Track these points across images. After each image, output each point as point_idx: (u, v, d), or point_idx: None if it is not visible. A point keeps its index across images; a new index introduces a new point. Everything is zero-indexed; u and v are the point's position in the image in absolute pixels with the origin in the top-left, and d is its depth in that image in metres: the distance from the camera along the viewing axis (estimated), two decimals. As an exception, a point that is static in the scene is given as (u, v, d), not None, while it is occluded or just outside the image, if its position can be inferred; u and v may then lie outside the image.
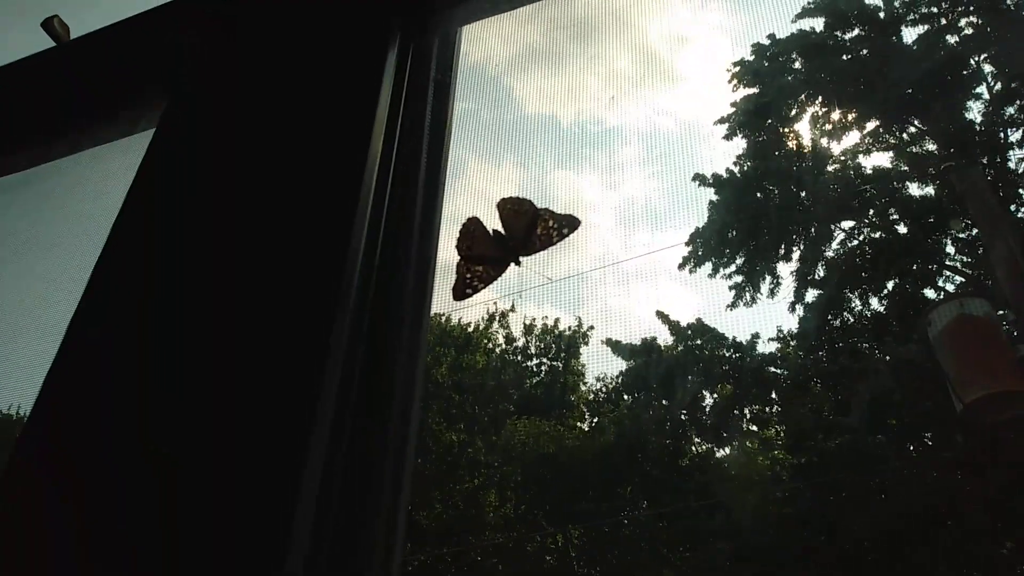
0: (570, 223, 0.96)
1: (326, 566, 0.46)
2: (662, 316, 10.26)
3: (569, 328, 12.01)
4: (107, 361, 0.59)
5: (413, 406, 0.58)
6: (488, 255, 0.96)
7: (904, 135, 9.27)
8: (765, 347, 9.95)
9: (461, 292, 0.95)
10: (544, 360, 11.88)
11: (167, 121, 0.80)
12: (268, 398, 0.50)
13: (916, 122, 9.15)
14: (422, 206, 0.70)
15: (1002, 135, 8.35)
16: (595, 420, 10.04)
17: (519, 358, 11.95)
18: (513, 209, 0.98)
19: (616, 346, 10.54)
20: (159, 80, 0.94)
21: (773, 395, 9.59)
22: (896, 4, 9.48)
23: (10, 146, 1.13)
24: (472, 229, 0.98)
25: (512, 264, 0.97)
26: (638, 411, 9.89)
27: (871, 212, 9.32)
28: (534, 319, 11.95)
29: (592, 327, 11.70)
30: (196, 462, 0.48)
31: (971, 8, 8.94)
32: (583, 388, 11.39)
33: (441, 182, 0.72)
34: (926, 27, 9.14)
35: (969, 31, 8.91)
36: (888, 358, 7.78)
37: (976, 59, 8.70)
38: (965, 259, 8.86)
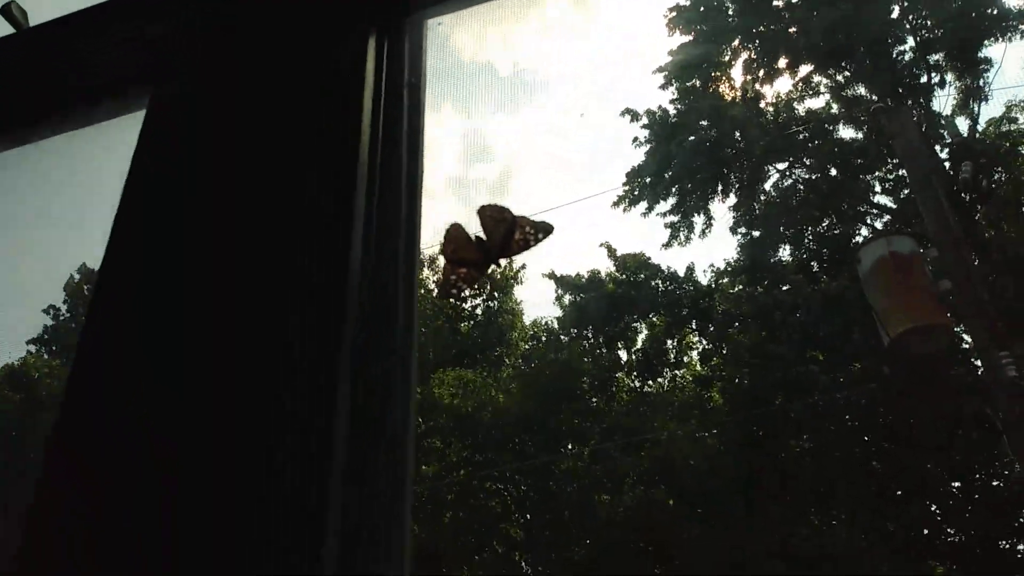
0: (544, 229, 1.05)
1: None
2: (608, 249, 10.47)
3: (502, 268, 12.03)
4: (123, 359, 0.59)
5: (411, 393, 0.62)
6: (470, 259, 1.05)
7: (838, 78, 9.49)
8: (702, 280, 10.30)
9: (447, 292, 1.03)
10: (479, 302, 11.96)
11: (156, 105, 0.81)
12: (286, 387, 0.52)
13: (847, 67, 9.37)
14: (407, 164, 0.74)
15: (925, 79, 8.63)
16: (533, 363, 10.20)
17: (452, 302, 11.98)
18: (492, 216, 1.06)
19: (560, 280, 10.72)
20: (144, 66, 0.97)
21: (709, 327, 9.93)
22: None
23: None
24: (455, 234, 1.05)
25: (493, 266, 1.05)
26: (575, 348, 10.09)
27: (803, 154, 9.58)
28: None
29: (524, 266, 11.79)
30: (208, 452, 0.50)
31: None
32: (520, 328, 11.51)
33: (421, 145, 0.77)
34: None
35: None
36: (819, 293, 8.10)
37: (903, 3, 8.92)
38: (891, 201, 9.24)
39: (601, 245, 10.77)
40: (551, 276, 10.98)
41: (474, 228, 1.09)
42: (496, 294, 11.83)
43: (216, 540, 0.47)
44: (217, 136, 0.75)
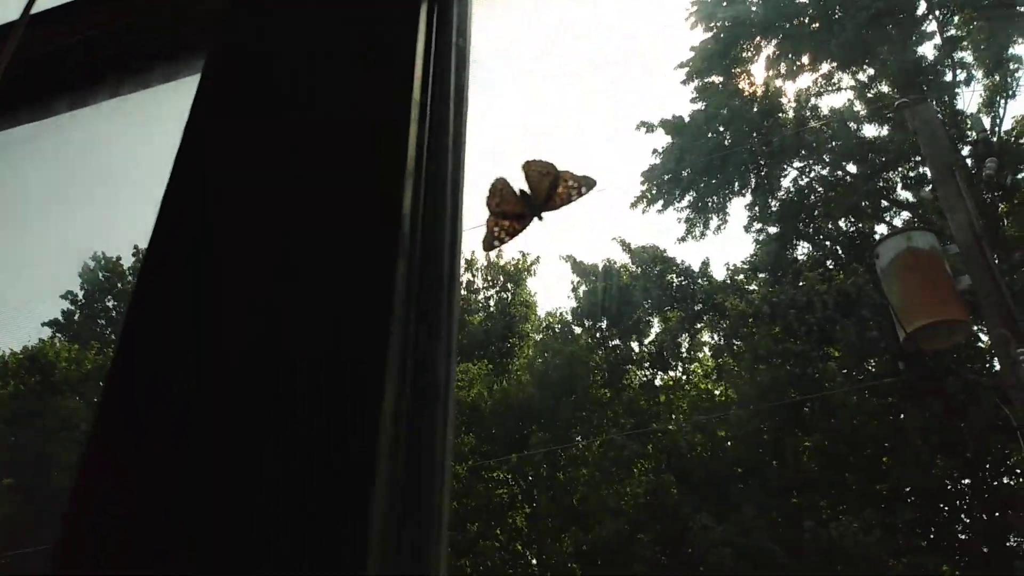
0: (587, 183, 1.08)
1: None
2: (622, 243, 10.44)
3: (513, 260, 12.07)
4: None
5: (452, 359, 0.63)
6: (514, 211, 1.08)
7: (859, 76, 9.43)
8: (717, 276, 10.25)
9: (490, 244, 1.07)
10: (492, 293, 11.99)
11: (211, 69, 0.82)
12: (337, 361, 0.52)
13: (870, 63, 9.30)
14: (453, 134, 0.76)
15: (949, 76, 8.56)
16: (545, 354, 10.22)
17: (466, 292, 12.04)
18: (538, 171, 1.10)
19: (577, 265, 10.69)
20: (198, 29, 1.00)
21: (723, 323, 9.91)
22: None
23: (52, 90, 1.17)
24: (500, 188, 1.09)
25: (536, 219, 1.09)
26: (584, 340, 10.11)
27: (823, 152, 9.52)
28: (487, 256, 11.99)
29: (538, 258, 11.81)
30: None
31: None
32: (533, 319, 11.53)
33: (464, 111, 0.79)
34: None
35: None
36: (835, 290, 8.08)
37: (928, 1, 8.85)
38: (911, 197, 9.17)
39: (614, 239, 10.74)
40: (568, 259, 10.95)
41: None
42: (509, 286, 11.84)
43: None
44: (271, 94, 0.77)
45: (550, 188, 1.11)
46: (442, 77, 0.79)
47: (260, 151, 0.73)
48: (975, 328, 6.26)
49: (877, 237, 8.33)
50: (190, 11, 1.04)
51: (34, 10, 1.18)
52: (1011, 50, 8.26)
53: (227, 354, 0.56)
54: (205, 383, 0.53)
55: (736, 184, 10.12)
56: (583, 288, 10.85)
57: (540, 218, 1.11)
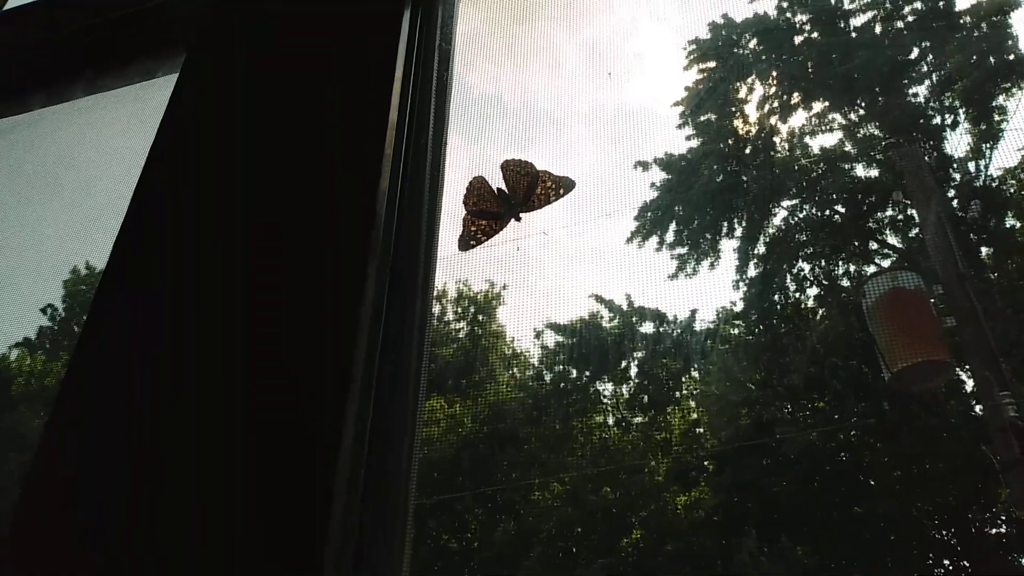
0: (566, 184, 1.08)
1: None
2: (597, 298, 10.54)
3: (480, 292, 12.04)
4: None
5: (425, 342, 0.63)
6: (492, 211, 1.08)
7: (851, 116, 9.57)
8: (704, 320, 10.27)
9: (466, 244, 1.06)
10: (463, 324, 11.93)
11: (190, 67, 0.81)
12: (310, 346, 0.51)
13: (861, 105, 9.45)
14: (432, 139, 0.76)
15: (937, 120, 8.71)
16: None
17: (437, 323, 11.96)
18: (516, 170, 1.09)
19: (556, 327, 10.78)
20: (179, 30, 1.00)
21: (706, 366, 9.90)
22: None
23: (26, 85, 1.16)
24: (478, 187, 1.08)
25: (512, 220, 1.08)
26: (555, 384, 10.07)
27: (813, 192, 9.63)
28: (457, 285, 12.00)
29: (505, 286, 11.75)
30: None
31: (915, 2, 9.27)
32: (500, 350, 11.46)
33: (447, 115, 0.79)
34: (873, 13, 9.45)
35: (911, 18, 9.24)
36: (822, 331, 8.10)
37: (920, 46, 9.02)
38: (899, 241, 9.27)
39: (590, 296, 10.79)
40: (550, 326, 11.03)
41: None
42: (480, 317, 11.80)
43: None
44: (250, 95, 0.76)
45: (528, 188, 1.11)
46: (424, 81, 0.79)
47: (237, 151, 0.72)
48: (958, 370, 6.29)
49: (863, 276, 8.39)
50: (174, 8, 1.04)
51: (8, 6, 1.18)
52: (996, 101, 8.42)
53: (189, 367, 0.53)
54: (165, 392, 0.52)
55: (728, 223, 10.19)
56: (558, 338, 10.85)
57: (518, 218, 1.11)
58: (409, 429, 0.53)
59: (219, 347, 0.51)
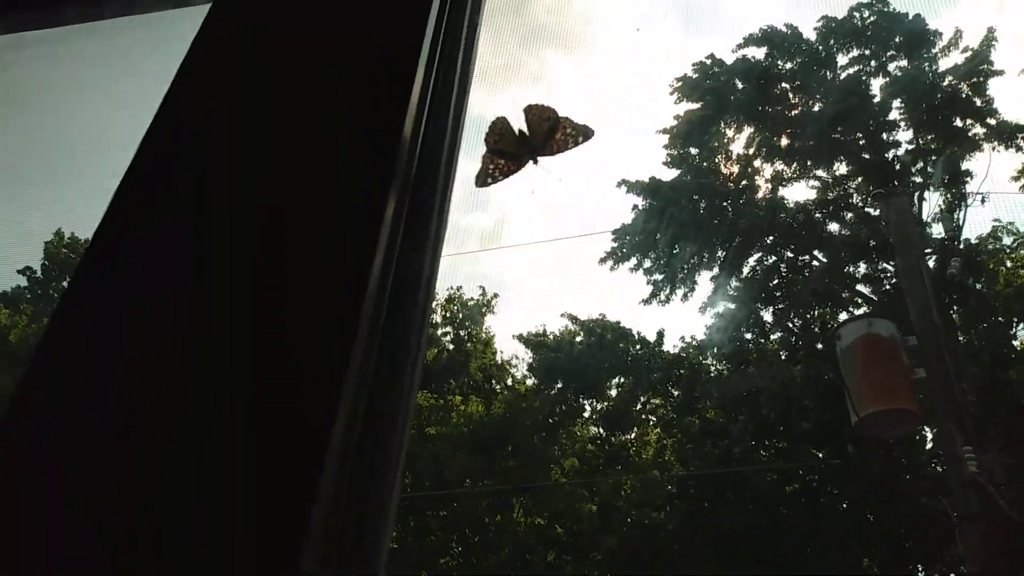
0: (585, 133, 1.09)
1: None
2: (570, 318, 10.68)
3: (472, 299, 12.16)
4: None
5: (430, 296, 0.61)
6: (511, 151, 1.09)
7: (833, 168, 9.77)
8: (672, 346, 10.38)
9: (483, 180, 1.07)
10: (449, 329, 12.02)
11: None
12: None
13: (843, 158, 9.67)
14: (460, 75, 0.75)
15: (920, 179, 8.93)
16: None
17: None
18: (538, 114, 1.10)
19: (528, 341, 10.92)
20: None
21: (675, 394, 9.97)
22: (831, 43, 10.02)
23: None
24: (500, 127, 1.09)
25: (530, 162, 1.09)
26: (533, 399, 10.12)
27: (790, 238, 9.77)
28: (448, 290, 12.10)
29: (496, 295, 11.92)
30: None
31: (897, 54, 9.54)
32: (488, 356, 11.56)
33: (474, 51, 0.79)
34: (857, 68, 9.74)
35: (897, 73, 9.51)
36: (795, 368, 8.19)
37: (901, 100, 9.28)
38: (872, 293, 9.42)
39: (562, 315, 10.95)
40: (520, 338, 11.16)
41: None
42: (468, 323, 11.85)
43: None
44: (282, 31, 0.75)
45: (548, 132, 1.12)
46: (455, 23, 0.80)
47: (265, 89, 0.71)
48: (924, 422, 6.36)
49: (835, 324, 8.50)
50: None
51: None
52: (965, 164, 8.71)
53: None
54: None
55: (704, 256, 10.30)
56: (534, 356, 10.96)
57: (535, 161, 1.12)
58: (400, 427, 0.51)
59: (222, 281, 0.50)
